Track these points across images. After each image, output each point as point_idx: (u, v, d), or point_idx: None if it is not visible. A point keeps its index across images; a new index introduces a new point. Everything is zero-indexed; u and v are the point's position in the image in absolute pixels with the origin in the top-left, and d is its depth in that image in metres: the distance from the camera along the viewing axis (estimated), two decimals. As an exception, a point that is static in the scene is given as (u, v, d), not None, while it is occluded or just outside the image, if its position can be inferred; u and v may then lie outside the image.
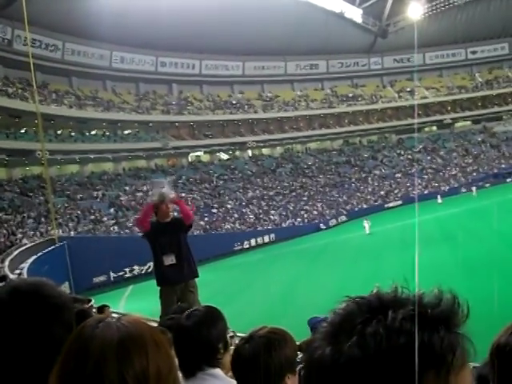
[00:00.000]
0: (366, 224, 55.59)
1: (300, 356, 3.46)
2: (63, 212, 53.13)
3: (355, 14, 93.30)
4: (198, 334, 3.42)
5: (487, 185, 79.93)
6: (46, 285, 1.99)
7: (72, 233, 48.54)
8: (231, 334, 4.19)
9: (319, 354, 1.10)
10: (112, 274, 45.48)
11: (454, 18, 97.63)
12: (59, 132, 63.97)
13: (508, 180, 78.30)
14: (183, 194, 64.83)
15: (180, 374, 3.08)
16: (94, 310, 10.97)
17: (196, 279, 9.12)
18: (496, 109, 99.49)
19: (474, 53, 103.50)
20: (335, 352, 1.07)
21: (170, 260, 8.84)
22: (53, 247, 40.32)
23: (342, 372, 1.04)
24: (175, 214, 9.90)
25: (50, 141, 57.56)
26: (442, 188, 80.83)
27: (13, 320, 1.83)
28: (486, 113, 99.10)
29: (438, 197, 71.78)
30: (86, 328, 1.40)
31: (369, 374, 1.01)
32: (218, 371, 3.39)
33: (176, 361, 2.48)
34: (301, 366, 3.00)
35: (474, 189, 75.39)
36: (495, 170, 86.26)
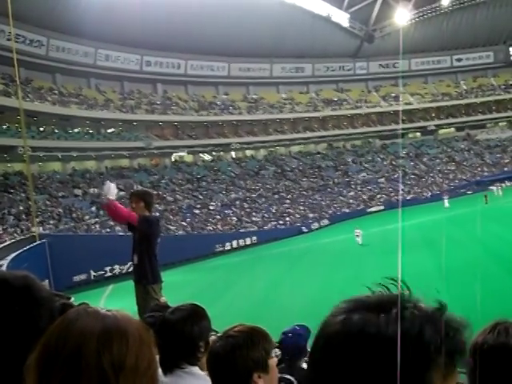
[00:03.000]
0: (358, 234, 51.41)
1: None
2: (44, 209, 52.88)
3: (342, 18, 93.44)
4: (180, 329, 3.47)
5: (469, 192, 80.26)
6: (33, 278, 2.02)
7: (53, 230, 48.27)
8: (213, 334, 4.14)
9: (355, 318, 1.18)
10: (92, 273, 45.26)
11: (441, 25, 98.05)
12: (42, 129, 63.54)
13: (490, 188, 78.48)
14: (164, 194, 64.81)
15: (159, 370, 3.09)
16: (73, 309, 10.78)
17: (157, 287, 8.76)
18: (480, 116, 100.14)
19: (459, 60, 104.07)
20: (370, 320, 1.16)
21: (134, 259, 8.69)
22: (33, 245, 40.04)
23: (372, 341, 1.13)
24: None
25: (33, 137, 57.26)
26: (425, 194, 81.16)
27: (2, 312, 1.85)
28: (469, 120, 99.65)
29: (446, 201, 71.04)
30: (73, 311, 1.43)
31: (396, 351, 1.09)
32: (196, 369, 3.41)
33: (157, 358, 2.49)
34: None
35: (494, 188, 76.14)
36: (478, 178, 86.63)
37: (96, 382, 1.29)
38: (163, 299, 8.33)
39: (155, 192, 61.23)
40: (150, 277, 8.55)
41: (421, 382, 1.12)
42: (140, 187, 49.68)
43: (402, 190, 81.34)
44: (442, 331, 1.16)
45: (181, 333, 3.45)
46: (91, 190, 59.24)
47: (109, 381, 1.30)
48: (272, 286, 36.16)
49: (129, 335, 1.38)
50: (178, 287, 29.10)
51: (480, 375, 2.02)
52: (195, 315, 3.62)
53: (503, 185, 79.73)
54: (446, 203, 69.49)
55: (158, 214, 55.79)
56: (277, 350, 3.20)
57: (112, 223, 52.17)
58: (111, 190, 8.77)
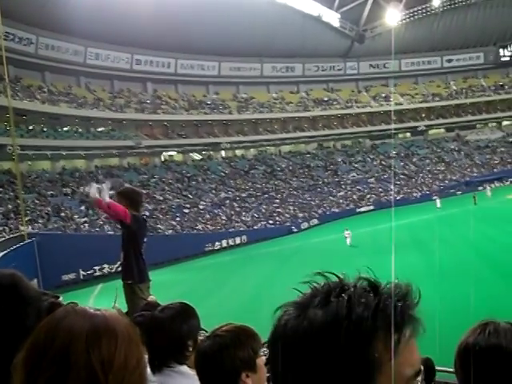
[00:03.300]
0: (348, 235, 51.11)
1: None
2: (33, 208, 52.72)
3: (333, 18, 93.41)
4: (169, 328, 3.46)
5: (459, 192, 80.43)
6: (21, 276, 2.07)
7: (42, 230, 48.12)
8: (202, 333, 4.11)
9: (286, 318, 1.24)
10: (81, 272, 45.23)
11: (431, 25, 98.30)
12: (31, 127, 63.36)
13: (480, 188, 78.91)
14: (154, 193, 64.70)
15: (148, 369, 3.08)
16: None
17: (144, 286, 8.57)
18: (469, 117, 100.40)
19: (449, 61, 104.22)
20: (300, 316, 1.21)
21: (121, 257, 8.56)
22: (22, 244, 40.00)
23: (306, 336, 1.18)
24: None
25: (22, 136, 57.02)
26: (414, 194, 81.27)
27: None
28: (459, 121, 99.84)
29: (437, 201, 70.70)
30: (61, 310, 1.43)
31: (330, 338, 1.15)
32: (184, 368, 3.40)
33: (146, 357, 2.47)
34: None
35: (488, 188, 76.93)
36: (467, 178, 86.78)
37: (85, 380, 1.29)
38: (152, 298, 8.22)
39: (145, 191, 61.12)
40: (135, 276, 8.36)
41: (363, 363, 1.13)
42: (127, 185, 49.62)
43: (392, 190, 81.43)
44: (373, 307, 1.17)
45: (170, 331, 3.44)
46: (81, 189, 59.07)
47: (98, 379, 1.30)
48: (262, 286, 36.17)
49: (118, 334, 1.38)
50: (167, 287, 29.05)
51: (473, 376, 2.01)
52: (184, 313, 3.60)
53: (493, 185, 79.94)
54: (438, 203, 69.27)
55: (147, 213, 55.73)
56: (265, 348, 3.18)
57: (101, 222, 52.18)
58: (104, 191, 8.52)
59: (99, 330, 1.35)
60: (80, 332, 1.33)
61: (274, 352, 1.26)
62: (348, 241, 50.52)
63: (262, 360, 2.95)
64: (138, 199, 8.67)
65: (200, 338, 3.56)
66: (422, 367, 1.21)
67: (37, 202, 54.68)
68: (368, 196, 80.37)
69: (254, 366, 2.87)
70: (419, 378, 1.21)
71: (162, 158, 78.82)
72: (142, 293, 8.27)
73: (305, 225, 69.46)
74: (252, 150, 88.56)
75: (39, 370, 1.30)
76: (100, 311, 1.42)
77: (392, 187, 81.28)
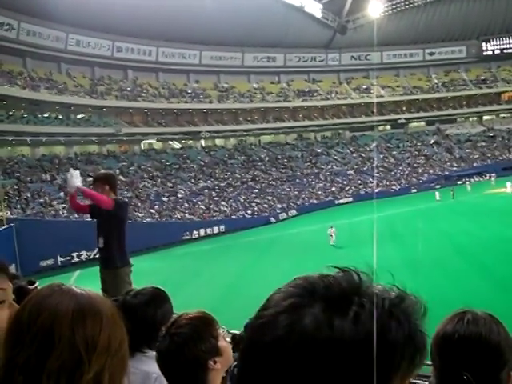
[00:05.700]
0: (332, 233, 45.17)
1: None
2: (12, 194, 52.52)
3: (315, 8, 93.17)
4: (142, 313, 3.47)
5: (438, 186, 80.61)
6: None
7: (20, 215, 47.97)
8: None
9: (292, 321, 0.97)
10: (59, 258, 45.05)
11: (414, 18, 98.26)
12: (11, 113, 63.00)
13: (459, 183, 79.43)
14: (131, 181, 64.49)
15: None
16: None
17: (127, 272, 8.46)
18: (450, 111, 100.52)
19: (431, 54, 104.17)
20: (322, 323, 0.94)
21: (100, 243, 8.52)
22: (0, 229, 39.83)
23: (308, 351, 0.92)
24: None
25: (1, 121, 57.01)
26: (393, 187, 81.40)
27: None
28: (440, 114, 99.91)
29: (436, 194, 69.77)
30: (46, 288, 1.41)
31: (357, 356, 0.92)
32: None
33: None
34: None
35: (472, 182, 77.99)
36: (446, 172, 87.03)
37: (68, 360, 1.28)
38: (128, 285, 8.23)
39: (124, 179, 61.07)
40: (117, 261, 8.31)
41: None
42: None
43: (371, 182, 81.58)
44: (406, 329, 0.97)
45: (143, 316, 3.45)
46: (61, 176, 58.87)
47: (81, 359, 1.29)
48: (239, 276, 36.22)
49: (102, 314, 1.37)
50: (144, 274, 28.98)
51: (452, 365, 2.04)
52: (157, 298, 3.63)
53: (472, 180, 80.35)
54: (438, 196, 68.67)
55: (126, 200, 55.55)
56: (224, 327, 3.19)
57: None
58: (77, 179, 8.44)
59: (84, 310, 1.34)
60: (65, 310, 1.31)
61: (261, 355, 0.96)
62: (332, 239, 44.90)
63: (223, 339, 3.00)
64: (115, 182, 8.59)
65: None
66: None
67: (16, 187, 54.50)
68: (347, 188, 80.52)
69: (218, 351, 2.89)
70: None
71: (142, 146, 78.59)
72: (128, 277, 8.26)
73: (283, 215, 69.51)
74: (232, 139, 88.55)
75: (21, 347, 1.28)
76: (85, 291, 1.43)
77: (372, 180, 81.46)
